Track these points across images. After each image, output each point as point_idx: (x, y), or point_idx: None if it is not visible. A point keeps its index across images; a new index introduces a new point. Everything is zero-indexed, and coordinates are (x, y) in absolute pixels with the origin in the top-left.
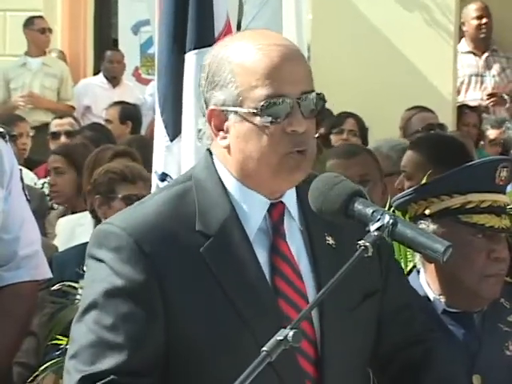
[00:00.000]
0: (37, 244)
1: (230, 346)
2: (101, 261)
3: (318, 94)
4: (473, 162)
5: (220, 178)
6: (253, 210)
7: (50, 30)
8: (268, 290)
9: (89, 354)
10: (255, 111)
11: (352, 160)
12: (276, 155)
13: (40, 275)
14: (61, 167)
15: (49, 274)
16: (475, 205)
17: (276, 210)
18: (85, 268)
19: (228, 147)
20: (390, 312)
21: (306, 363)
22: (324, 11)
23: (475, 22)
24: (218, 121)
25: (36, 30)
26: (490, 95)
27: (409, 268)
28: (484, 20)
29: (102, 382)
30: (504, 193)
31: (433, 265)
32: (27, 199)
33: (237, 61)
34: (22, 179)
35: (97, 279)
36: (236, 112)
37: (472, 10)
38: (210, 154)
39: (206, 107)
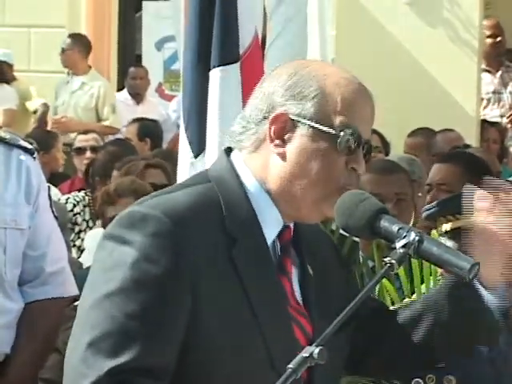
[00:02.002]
0: (64, 261)
1: (243, 350)
2: (129, 244)
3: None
4: None
5: (242, 183)
6: (271, 223)
7: (64, 50)
8: (284, 305)
9: (111, 343)
10: (333, 132)
11: (389, 177)
12: (331, 184)
13: (66, 292)
14: None
15: (76, 291)
16: None
17: (287, 232)
18: (99, 249)
19: (281, 155)
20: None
21: None
22: (347, 27)
23: (489, 41)
24: (280, 127)
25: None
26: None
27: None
28: (498, 38)
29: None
30: None
31: None
32: (54, 216)
33: (330, 82)
34: (49, 196)
35: (121, 263)
36: (311, 126)
37: (484, 28)
38: (227, 157)
39: (268, 111)
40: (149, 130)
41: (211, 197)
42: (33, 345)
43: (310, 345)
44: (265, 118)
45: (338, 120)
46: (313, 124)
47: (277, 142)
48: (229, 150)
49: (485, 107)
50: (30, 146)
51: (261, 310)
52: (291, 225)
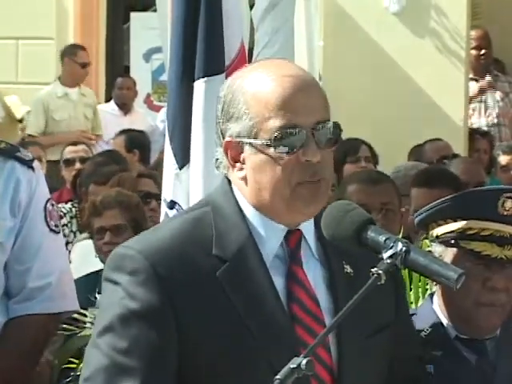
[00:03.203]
0: (54, 276)
1: (245, 371)
2: (116, 283)
3: (334, 122)
4: (476, 189)
5: (238, 204)
6: (270, 236)
7: (90, 64)
8: (284, 316)
9: (103, 378)
10: (269, 142)
11: (375, 187)
12: (289, 186)
13: (55, 308)
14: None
15: (71, 306)
16: (475, 232)
17: (293, 237)
18: (102, 292)
19: (244, 178)
20: (402, 348)
21: None
22: (335, 38)
23: (474, 52)
24: (234, 152)
25: (78, 62)
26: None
27: (427, 295)
28: (483, 51)
29: None
30: None
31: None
32: (52, 229)
33: (250, 92)
34: (45, 208)
35: (112, 303)
36: (251, 144)
37: (472, 38)
38: (228, 180)
39: (223, 138)
40: (137, 141)
41: (203, 222)
42: (6, 361)
43: (329, 352)
44: (221, 146)
45: (271, 126)
46: (252, 141)
47: (237, 166)
48: None
49: (471, 116)
50: (27, 158)
51: (254, 325)
52: (302, 228)
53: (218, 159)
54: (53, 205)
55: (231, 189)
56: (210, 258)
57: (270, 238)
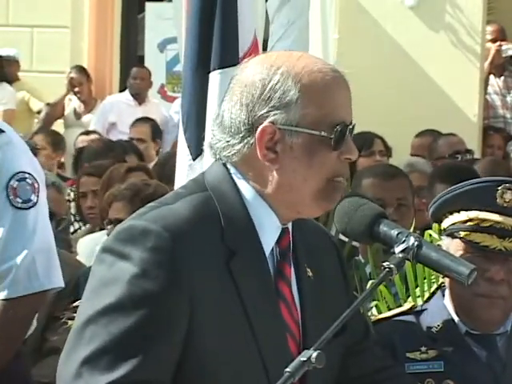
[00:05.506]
0: (20, 257)
1: (239, 360)
2: (127, 259)
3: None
4: (475, 180)
5: (240, 193)
6: (268, 229)
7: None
8: (278, 315)
9: (107, 360)
10: (321, 134)
11: (391, 182)
12: (325, 179)
13: (21, 291)
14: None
15: (46, 286)
16: (475, 223)
17: (286, 236)
18: (98, 263)
19: (277, 167)
20: (354, 344)
21: None
22: (350, 31)
23: (490, 45)
24: (269, 139)
25: None
26: None
27: (432, 289)
28: (498, 43)
29: None
30: None
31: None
32: (16, 207)
33: (306, 80)
34: (7, 186)
35: (118, 278)
36: (298, 132)
37: (487, 33)
38: (223, 165)
39: (251, 123)
40: (159, 131)
41: (209, 207)
42: None
43: (299, 349)
44: (248, 131)
45: (325, 119)
46: (302, 130)
47: (269, 155)
48: None
49: (491, 108)
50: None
51: (257, 322)
52: (289, 227)
53: (223, 145)
54: (22, 179)
55: (231, 176)
56: (221, 246)
57: (270, 231)
